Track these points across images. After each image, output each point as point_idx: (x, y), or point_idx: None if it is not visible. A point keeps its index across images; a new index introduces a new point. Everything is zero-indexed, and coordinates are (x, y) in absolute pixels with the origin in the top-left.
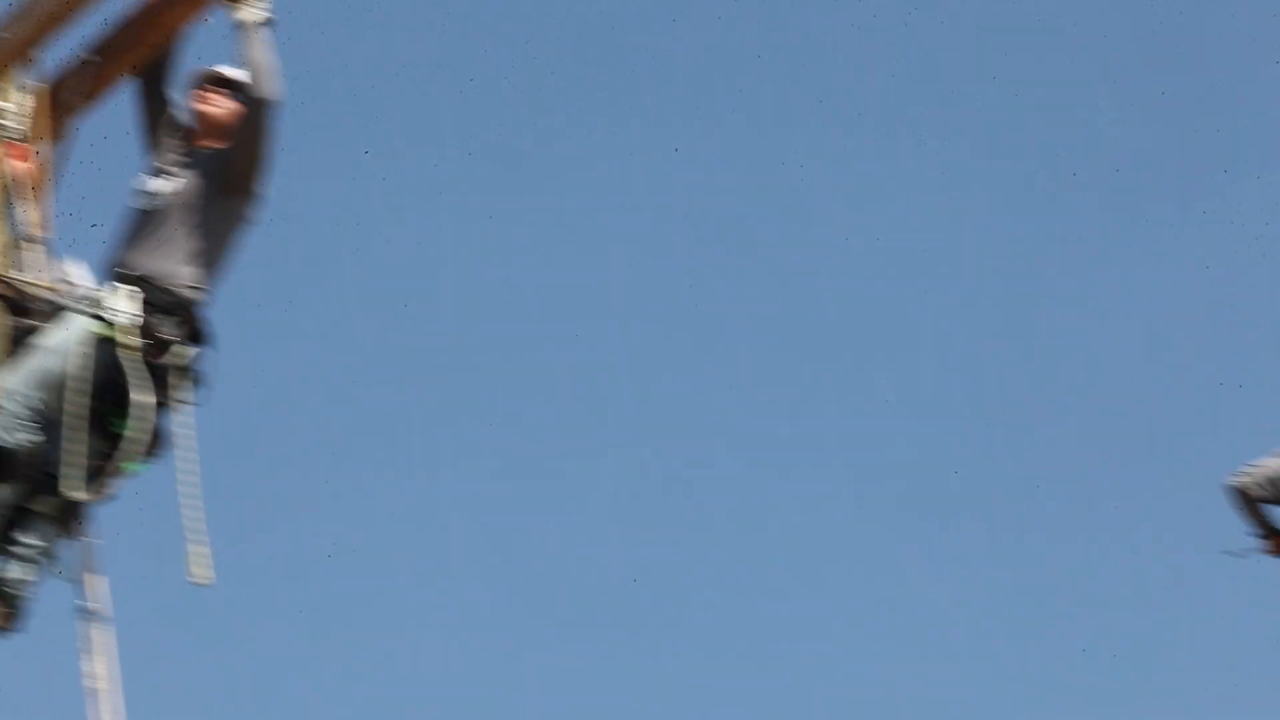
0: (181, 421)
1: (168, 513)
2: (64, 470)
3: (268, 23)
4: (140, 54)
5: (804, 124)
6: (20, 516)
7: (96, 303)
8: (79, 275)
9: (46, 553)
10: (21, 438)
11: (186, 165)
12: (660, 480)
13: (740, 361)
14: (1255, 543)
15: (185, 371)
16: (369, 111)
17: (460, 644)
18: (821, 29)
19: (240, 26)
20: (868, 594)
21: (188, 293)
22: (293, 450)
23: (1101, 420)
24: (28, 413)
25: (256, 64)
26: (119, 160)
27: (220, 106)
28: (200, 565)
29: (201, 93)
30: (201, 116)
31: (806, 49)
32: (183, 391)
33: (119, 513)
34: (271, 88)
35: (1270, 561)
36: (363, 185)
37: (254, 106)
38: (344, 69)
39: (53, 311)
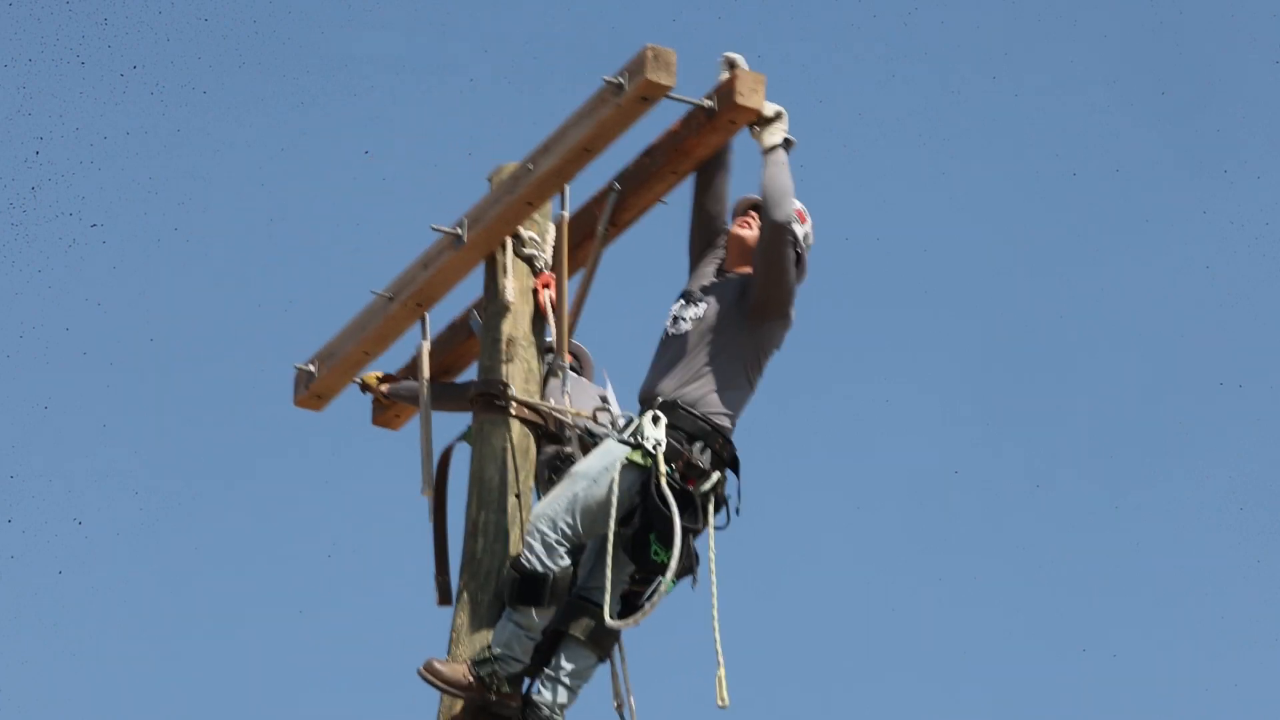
0: (708, 546)
1: (679, 635)
2: (601, 596)
3: (786, 144)
4: (666, 183)
5: (803, 124)
6: (555, 641)
7: (626, 429)
8: (608, 401)
9: (580, 676)
10: (557, 563)
11: (716, 290)
12: None
13: None
14: None
15: (712, 497)
16: (369, 111)
17: None
18: (821, 29)
19: (761, 149)
20: (867, 593)
21: (715, 418)
22: None
23: (1102, 419)
24: (562, 539)
25: (770, 186)
26: (646, 287)
27: (752, 230)
28: (722, 689)
29: (743, 218)
30: (733, 241)
31: (806, 48)
32: (710, 516)
33: (643, 634)
34: (784, 210)
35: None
36: (362, 185)
37: (768, 228)
38: (344, 69)
39: (584, 438)
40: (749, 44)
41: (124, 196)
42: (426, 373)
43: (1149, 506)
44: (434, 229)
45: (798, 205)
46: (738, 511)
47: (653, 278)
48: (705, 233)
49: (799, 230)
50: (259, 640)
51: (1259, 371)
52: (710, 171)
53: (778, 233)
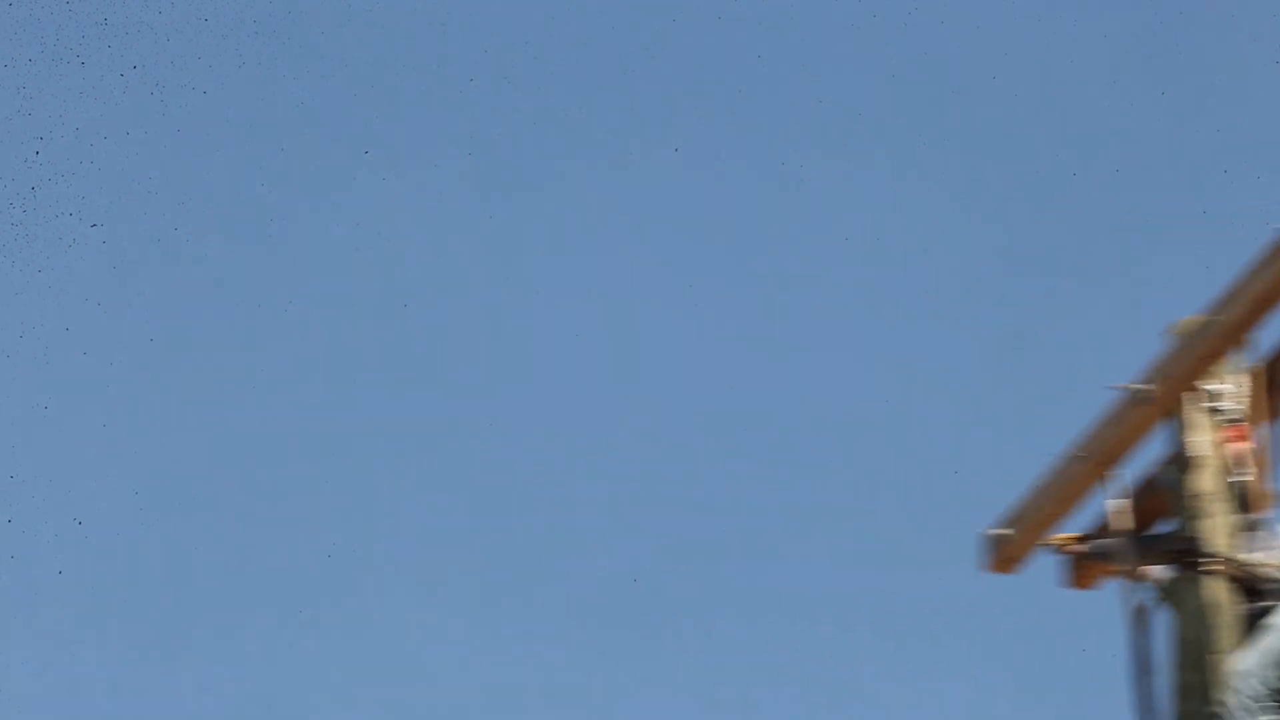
0: None
1: None
2: None
3: None
4: None
5: (804, 124)
6: None
7: None
8: None
9: None
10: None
11: None
12: (660, 480)
13: (739, 361)
14: None
15: None
16: (369, 111)
17: (460, 645)
18: (821, 29)
19: None
20: (867, 593)
21: None
22: None
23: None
24: (1264, 694)
25: None
26: None
27: None
28: None
29: None
30: None
31: (806, 49)
32: None
33: None
34: None
35: None
36: (363, 185)
37: None
38: (344, 69)
39: None
40: (750, 44)
41: (124, 196)
42: (1130, 527)
43: None
44: (1116, 387)
45: None
46: None
47: None
48: None
49: None
50: (258, 640)
51: None
52: None
53: None
